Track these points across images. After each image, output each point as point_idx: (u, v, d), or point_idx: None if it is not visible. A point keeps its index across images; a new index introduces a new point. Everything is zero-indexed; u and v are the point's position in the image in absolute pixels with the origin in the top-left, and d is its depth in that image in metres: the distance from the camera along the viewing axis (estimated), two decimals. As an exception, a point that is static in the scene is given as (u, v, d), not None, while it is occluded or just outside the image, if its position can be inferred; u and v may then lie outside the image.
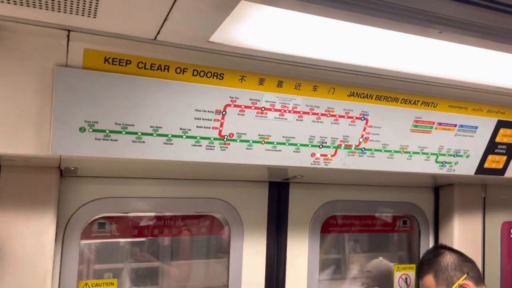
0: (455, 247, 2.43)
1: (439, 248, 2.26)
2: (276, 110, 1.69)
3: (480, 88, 1.92)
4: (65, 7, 1.14)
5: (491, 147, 2.20)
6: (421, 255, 2.70)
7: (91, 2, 1.11)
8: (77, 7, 1.14)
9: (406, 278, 2.76)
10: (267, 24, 1.27)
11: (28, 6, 1.14)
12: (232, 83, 1.58)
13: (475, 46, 1.41)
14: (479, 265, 2.43)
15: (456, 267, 2.11)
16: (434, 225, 2.81)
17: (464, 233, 2.70)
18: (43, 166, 1.76)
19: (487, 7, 1.13)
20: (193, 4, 1.13)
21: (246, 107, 1.64)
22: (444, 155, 2.11)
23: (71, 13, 1.17)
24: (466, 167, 2.21)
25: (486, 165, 2.25)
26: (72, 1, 1.11)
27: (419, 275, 2.29)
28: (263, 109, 1.67)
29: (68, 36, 1.32)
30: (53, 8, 1.14)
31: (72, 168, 1.82)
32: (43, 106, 1.41)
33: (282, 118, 1.71)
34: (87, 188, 2.01)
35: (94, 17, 1.20)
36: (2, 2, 1.12)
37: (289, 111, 1.71)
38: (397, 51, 1.50)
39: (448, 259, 2.14)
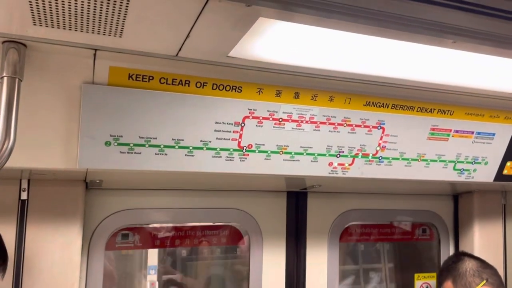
0: (476, 255, 2.41)
1: (460, 255, 2.25)
2: (293, 120, 1.73)
3: (496, 95, 1.92)
4: (93, 28, 1.21)
5: (510, 154, 2.19)
6: (440, 264, 2.69)
7: (117, 23, 1.17)
8: (104, 28, 1.20)
9: (427, 287, 2.74)
10: (284, 38, 1.32)
11: (58, 28, 1.20)
12: (250, 96, 1.63)
13: (488, 55, 1.44)
14: (501, 273, 2.40)
15: (475, 273, 2.09)
16: (454, 233, 2.80)
17: (484, 241, 2.67)
18: (69, 179, 1.83)
19: (498, 17, 1.16)
20: (214, 23, 1.18)
21: (264, 118, 1.69)
22: (462, 162, 2.11)
23: (98, 34, 1.24)
24: (485, 174, 2.20)
25: (505, 171, 2.24)
26: (100, 22, 1.17)
27: (439, 281, 2.28)
28: (280, 120, 1.71)
29: (94, 54, 1.39)
30: (81, 29, 1.21)
31: (97, 181, 1.88)
32: (71, 121, 1.47)
33: (300, 129, 1.75)
34: (111, 200, 2.07)
35: (120, 37, 1.26)
36: (35, 24, 1.18)
37: (306, 122, 1.75)
38: (412, 61, 1.52)
39: (467, 265, 2.13)
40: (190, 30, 1.22)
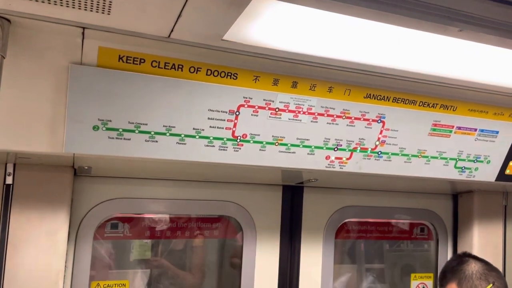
0: (475, 256, 2.35)
1: (464, 256, 2.18)
2: (290, 111, 1.66)
3: (501, 91, 1.86)
4: (79, 3, 1.14)
5: (513, 153, 2.13)
6: (438, 264, 2.63)
7: (105, -3, 1.11)
8: (91, 3, 1.14)
9: (423, 287, 2.68)
10: (282, 21, 1.25)
11: (43, 2, 1.14)
12: (246, 83, 1.57)
13: (496, 46, 1.37)
14: (500, 276, 2.34)
15: (481, 276, 2.02)
16: (453, 234, 2.74)
17: (484, 242, 2.62)
18: (57, 165, 1.77)
19: (510, 4, 1.09)
20: (206, 1, 1.11)
21: (259, 107, 1.62)
22: (464, 160, 2.05)
23: (85, 10, 1.17)
24: (487, 173, 2.14)
25: (508, 171, 2.18)
26: (86, -3, 1.11)
27: (441, 283, 2.20)
28: (277, 110, 1.65)
29: (83, 33, 1.32)
30: (67, 4, 1.14)
31: (86, 168, 1.82)
32: (57, 104, 1.41)
33: (297, 120, 1.69)
34: (101, 188, 2.01)
35: (109, 14, 1.19)
36: (18, -2, 1.12)
37: (304, 112, 1.68)
38: (415, 51, 1.46)
39: (473, 267, 2.06)
40: (182, 9, 1.16)
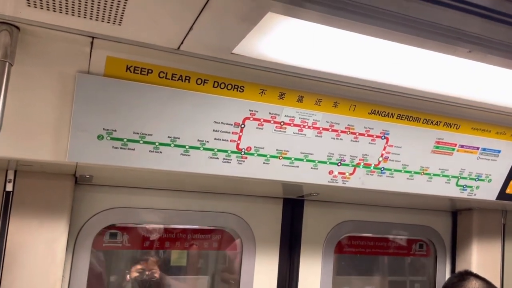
0: (474, 274, 2.34)
1: (466, 274, 2.19)
2: (295, 125, 1.66)
3: (504, 111, 1.87)
4: (91, 14, 1.14)
5: (514, 172, 2.14)
6: (436, 281, 2.62)
7: (117, 9, 1.10)
8: (103, 14, 1.14)
9: (421, 304, 2.67)
10: (290, 37, 1.26)
11: (54, 11, 1.13)
12: (252, 96, 1.56)
13: (502, 67, 1.38)
14: (498, 294, 2.34)
15: None
16: (451, 251, 2.73)
17: (482, 260, 2.61)
18: (58, 173, 1.75)
19: (521, 27, 1.10)
20: (220, 15, 1.11)
21: (265, 120, 1.62)
22: (465, 178, 2.05)
23: (96, 20, 1.17)
24: (488, 192, 2.15)
25: (508, 190, 2.18)
26: (98, 8, 1.10)
27: None
28: (282, 123, 1.64)
29: (91, 43, 1.32)
30: (79, 14, 1.14)
31: (87, 176, 1.80)
32: (63, 112, 1.40)
33: (301, 134, 1.69)
34: (101, 197, 1.99)
35: (119, 25, 1.19)
36: (29, 6, 1.12)
37: (309, 127, 1.68)
38: (421, 70, 1.47)
39: (473, 285, 2.06)
40: (194, 22, 1.16)
